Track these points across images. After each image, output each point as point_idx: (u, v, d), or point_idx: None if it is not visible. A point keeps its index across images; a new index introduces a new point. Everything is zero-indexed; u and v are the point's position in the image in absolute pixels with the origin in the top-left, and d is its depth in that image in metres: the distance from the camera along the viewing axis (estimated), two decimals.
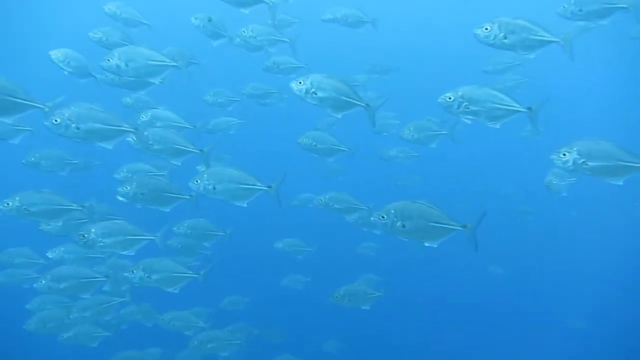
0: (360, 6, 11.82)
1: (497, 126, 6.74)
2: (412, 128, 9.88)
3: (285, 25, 11.93)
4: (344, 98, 7.28)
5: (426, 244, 6.44)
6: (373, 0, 15.59)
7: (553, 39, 6.79)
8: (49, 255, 9.96)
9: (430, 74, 23.17)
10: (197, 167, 10.59)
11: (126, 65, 7.49)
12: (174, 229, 9.98)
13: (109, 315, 9.49)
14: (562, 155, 5.82)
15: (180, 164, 8.33)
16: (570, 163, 5.79)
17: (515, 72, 14.35)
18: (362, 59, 16.10)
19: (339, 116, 7.45)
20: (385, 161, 14.01)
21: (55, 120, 6.69)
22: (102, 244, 7.63)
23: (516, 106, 6.67)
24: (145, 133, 7.75)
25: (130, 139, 7.99)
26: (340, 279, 9.95)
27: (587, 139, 5.88)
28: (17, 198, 7.52)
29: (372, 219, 6.47)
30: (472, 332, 17.96)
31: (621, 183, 5.85)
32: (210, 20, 9.97)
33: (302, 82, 7.13)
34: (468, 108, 6.64)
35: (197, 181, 7.39)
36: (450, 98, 6.67)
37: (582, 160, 5.79)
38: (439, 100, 6.74)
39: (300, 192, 15.47)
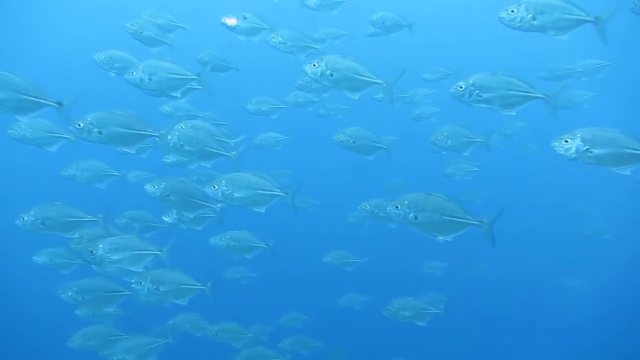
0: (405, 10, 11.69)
1: (513, 113, 6.58)
2: (445, 133, 9.49)
3: (333, 38, 12.09)
4: (360, 77, 7.36)
5: (440, 238, 6.40)
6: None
7: (587, 18, 6.45)
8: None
9: None
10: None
11: (149, 78, 7.69)
12: (217, 240, 10.13)
13: (153, 357, 9.57)
14: (564, 142, 5.59)
15: (209, 166, 8.46)
16: (573, 150, 5.53)
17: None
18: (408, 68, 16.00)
19: (356, 97, 7.49)
20: (447, 178, 13.87)
21: (79, 125, 7.03)
22: (110, 260, 7.79)
23: (532, 92, 6.50)
24: (176, 134, 7.92)
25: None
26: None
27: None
28: (32, 212, 7.88)
29: (387, 209, 6.47)
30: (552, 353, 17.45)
31: (628, 173, 5.61)
32: (245, 17, 9.96)
33: (316, 64, 7.25)
34: (480, 96, 6.50)
35: (214, 187, 7.52)
36: (461, 87, 6.56)
37: (586, 147, 5.54)
38: (450, 91, 6.65)
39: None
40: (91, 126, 7.08)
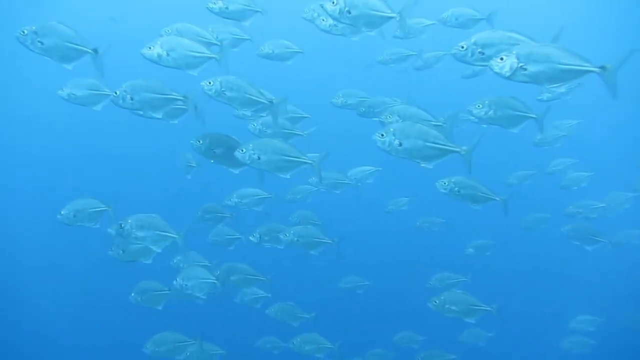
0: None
1: None
2: (486, 102, 8.11)
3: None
4: (376, 12, 7.79)
5: (422, 165, 6.74)
6: None
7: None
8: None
9: None
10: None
11: (167, 54, 8.17)
12: (281, 235, 10.75)
13: None
14: (499, 61, 5.79)
15: (249, 114, 8.93)
16: (507, 68, 5.73)
17: None
18: None
19: (373, 33, 8.02)
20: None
21: (115, 93, 8.13)
22: (135, 236, 8.67)
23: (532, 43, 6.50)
24: (218, 80, 8.29)
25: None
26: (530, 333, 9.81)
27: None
28: (67, 206, 9.13)
29: (372, 137, 6.96)
30: None
31: (563, 90, 5.64)
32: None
33: (335, 2, 7.71)
34: (482, 54, 6.78)
35: (242, 150, 8.06)
36: (463, 47, 6.92)
37: (521, 64, 5.71)
38: (452, 52, 7.03)
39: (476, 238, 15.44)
40: (124, 93, 8.10)
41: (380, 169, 13.40)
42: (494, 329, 14.22)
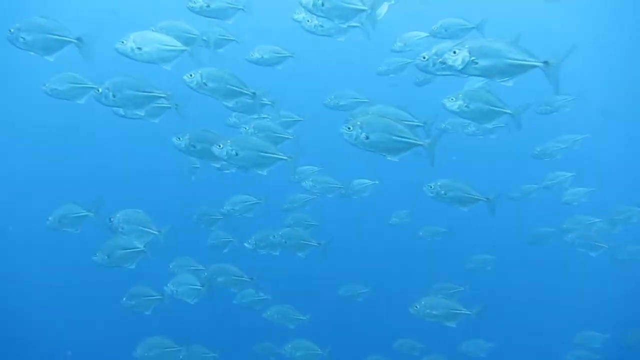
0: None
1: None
2: (460, 95, 7.81)
3: None
4: (348, 5, 8.05)
5: (388, 158, 6.90)
6: None
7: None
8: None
9: None
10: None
11: (139, 48, 8.23)
12: (270, 237, 10.89)
13: None
14: (452, 54, 5.97)
15: (231, 105, 9.07)
16: (459, 62, 5.91)
17: None
18: None
19: (345, 26, 8.36)
20: None
21: (97, 90, 8.33)
22: (122, 229, 8.99)
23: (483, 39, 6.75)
24: (199, 72, 8.41)
25: None
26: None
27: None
28: (54, 212, 9.48)
29: (340, 131, 7.02)
30: None
31: (511, 84, 5.76)
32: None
33: None
34: (443, 64, 6.92)
35: (220, 146, 8.15)
36: (424, 57, 7.06)
37: (472, 58, 5.89)
38: (415, 62, 7.23)
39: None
40: (107, 91, 8.28)
41: (376, 182, 13.42)
42: (494, 340, 14.22)
